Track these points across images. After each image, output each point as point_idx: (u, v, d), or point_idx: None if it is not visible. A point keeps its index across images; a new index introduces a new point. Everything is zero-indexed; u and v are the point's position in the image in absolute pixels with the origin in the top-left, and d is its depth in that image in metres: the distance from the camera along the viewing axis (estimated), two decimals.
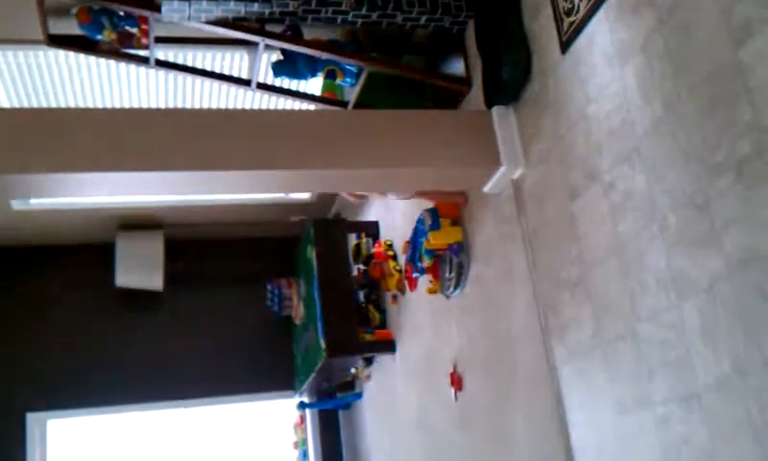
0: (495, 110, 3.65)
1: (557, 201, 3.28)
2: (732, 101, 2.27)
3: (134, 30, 3.86)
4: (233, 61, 4.55)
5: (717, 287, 2.36)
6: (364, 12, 3.78)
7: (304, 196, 6.44)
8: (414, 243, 4.53)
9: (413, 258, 4.57)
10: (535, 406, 3.52)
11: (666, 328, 2.60)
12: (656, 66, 2.61)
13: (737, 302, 2.28)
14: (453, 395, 4.40)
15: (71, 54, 4.28)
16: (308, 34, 4.05)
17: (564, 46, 3.17)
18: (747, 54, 2.21)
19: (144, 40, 3.88)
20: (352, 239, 6.07)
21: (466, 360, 4.28)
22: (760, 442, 2.22)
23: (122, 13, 3.79)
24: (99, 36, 3.84)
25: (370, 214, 6.00)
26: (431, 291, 4.54)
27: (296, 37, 3.94)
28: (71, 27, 3.86)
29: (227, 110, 3.49)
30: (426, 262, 4.41)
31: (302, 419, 6.86)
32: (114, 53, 4.03)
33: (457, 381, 4.35)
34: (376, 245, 5.58)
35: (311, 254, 5.66)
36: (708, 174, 2.38)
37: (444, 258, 4.39)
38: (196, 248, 6.74)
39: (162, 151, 3.21)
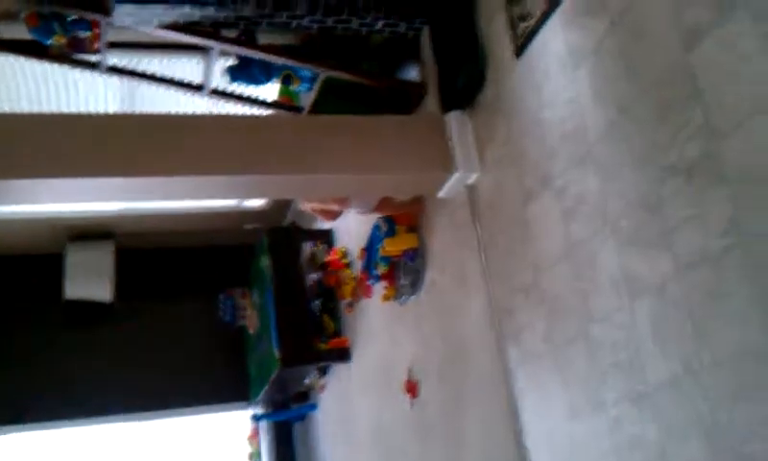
0: (451, 116, 3.66)
1: (511, 205, 3.30)
2: (683, 103, 2.30)
3: (86, 34, 3.78)
4: (188, 67, 4.50)
5: (668, 288, 2.38)
6: (319, 17, 3.77)
7: (258, 204, 6.39)
8: (369, 250, 4.52)
9: (368, 266, 4.56)
10: (489, 412, 3.52)
11: (618, 329, 2.63)
12: (609, 70, 2.64)
13: (687, 302, 2.31)
14: (408, 402, 4.39)
15: (21, 59, 4.19)
16: (264, 39, 4.03)
17: (519, 51, 3.19)
18: (697, 57, 2.25)
19: (96, 45, 3.81)
20: (307, 248, 6.04)
21: (421, 367, 4.27)
22: (711, 440, 2.24)
23: (73, 18, 3.72)
24: (49, 41, 3.76)
25: (324, 222, 5.96)
26: (386, 298, 4.53)
27: (251, 43, 3.91)
28: (21, 32, 3.78)
29: (177, 115, 3.45)
30: (381, 269, 4.40)
31: (256, 431, 6.78)
32: (65, 58, 3.95)
33: (412, 389, 4.34)
34: (331, 253, 5.56)
35: (265, 263, 5.62)
36: (659, 176, 2.41)
37: (399, 265, 4.39)
38: (148, 258, 6.64)
39: (109, 157, 3.15)
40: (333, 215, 4.63)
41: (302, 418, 6.74)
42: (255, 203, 6.38)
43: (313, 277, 5.87)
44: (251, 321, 6.23)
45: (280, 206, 6.50)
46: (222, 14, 3.65)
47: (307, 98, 4.28)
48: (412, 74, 4.16)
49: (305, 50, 4.17)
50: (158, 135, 3.28)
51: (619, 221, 2.60)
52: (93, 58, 3.96)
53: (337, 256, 5.41)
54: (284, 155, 3.39)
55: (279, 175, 3.37)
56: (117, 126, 3.29)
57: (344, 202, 4.31)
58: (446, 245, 3.94)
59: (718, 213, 2.18)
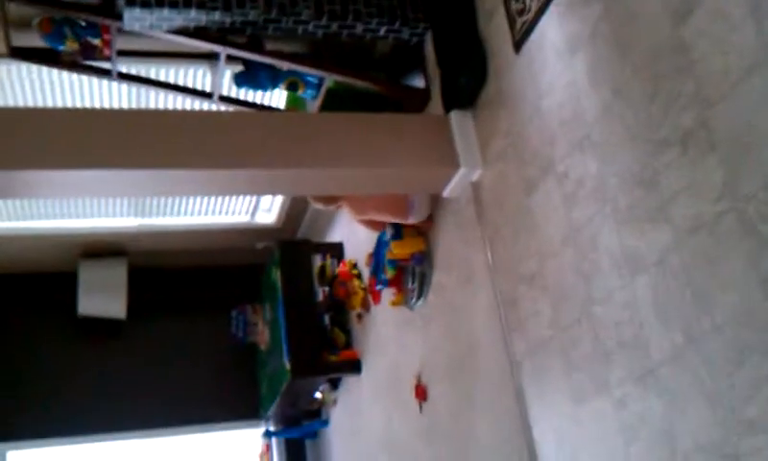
0: (453, 114, 3.71)
1: (514, 197, 3.34)
2: (674, 76, 2.35)
3: (97, 41, 3.88)
4: (196, 76, 4.59)
5: (667, 259, 2.41)
6: (324, 22, 3.85)
7: (270, 221, 6.44)
8: (377, 255, 4.55)
9: (376, 271, 4.59)
10: (497, 405, 3.53)
11: (620, 308, 2.65)
12: (603, 53, 2.69)
13: (686, 271, 2.34)
14: (418, 407, 4.39)
15: (34, 67, 4.29)
16: (270, 47, 4.11)
17: (518, 46, 3.25)
18: (688, 30, 2.30)
19: (106, 52, 3.91)
20: (317, 261, 6.08)
21: (430, 370, 4.28)
22: (713, 408, 2.25)
23: (84, 24, 3.82)
24: (61, 47, 3.86)
25: (335, 235, 6.02)
26: (395, 303, 4.55)
27: (257, 48, 3.99)
28: (34, 39, 3.89)
29: (190, 111, 3.52)
30: (389, 273, 4.43)
31: (268, 448, 6.77)
32: (77, 65, 4.05)
33: (421, 393, 4.35)
34: (341, 265, 5.59)
35: (276, 275, 5.66)
36: (654, 150, 2.45)
37: (406, 269, 4.42)
38: (160, 275, 6.69)
39: (122, 148, 3.22)
40: (382, 226, 4.62)
41: (314, 435, 6.73)
42: (267, 219, 6.43)
43: (323, 289, 5.91)
44: (262, 337, 6.25)
45: (292, 223, 6.54)
46: (228, 19, 3.73)
47: (313, 105, 4.35)
48: (417, 83, 4.23)
49: (311, 57, 4.25)
50: (176, 131, 3.35)
51: (617, 199, 2.63)
52: (104, 65, 4.04)
53: (347, 268, 5.44)
54: (292, 150, 3.44)
55: (286, 169, 3.42)
56: (138, 121, 3.36)
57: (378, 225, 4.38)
58: (452, 245, 3.97)
59: (711, 180, 2.21)
